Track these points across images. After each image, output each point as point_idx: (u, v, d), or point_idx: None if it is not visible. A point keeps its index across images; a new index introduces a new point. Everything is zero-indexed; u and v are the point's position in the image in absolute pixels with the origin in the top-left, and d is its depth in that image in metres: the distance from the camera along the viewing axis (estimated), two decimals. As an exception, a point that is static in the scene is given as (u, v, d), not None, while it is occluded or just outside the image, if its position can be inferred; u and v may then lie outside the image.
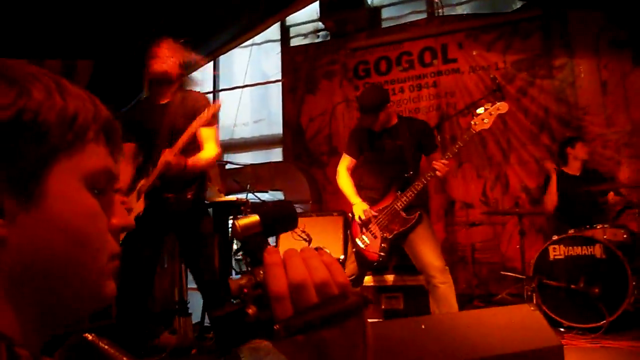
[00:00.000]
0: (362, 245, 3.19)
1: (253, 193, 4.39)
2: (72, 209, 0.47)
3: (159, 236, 2.83)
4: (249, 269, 0.53)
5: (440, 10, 5.67)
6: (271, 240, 0.60)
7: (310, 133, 5.94)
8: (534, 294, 3.59)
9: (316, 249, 0.52)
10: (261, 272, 0.51)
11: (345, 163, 3.38)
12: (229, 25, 5.53)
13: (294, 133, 6.05)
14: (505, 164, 5.08)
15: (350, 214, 3.36)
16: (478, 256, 4.97)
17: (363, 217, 3.16)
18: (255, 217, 0.57)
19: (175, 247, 3.99)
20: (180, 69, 2.83)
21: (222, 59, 6.57)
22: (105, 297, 0.51)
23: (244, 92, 6.41)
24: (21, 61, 0.49)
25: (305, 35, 6.27)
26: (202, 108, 2.72)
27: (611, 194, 4.05)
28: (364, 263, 3.23)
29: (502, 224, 4.97)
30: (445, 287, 3.01)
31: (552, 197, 4.06)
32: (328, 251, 0.52)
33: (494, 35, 5.23)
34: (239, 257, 4.44)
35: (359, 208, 3.19)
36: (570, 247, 3.57)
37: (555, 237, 3.68)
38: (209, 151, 2.77)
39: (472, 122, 3.10)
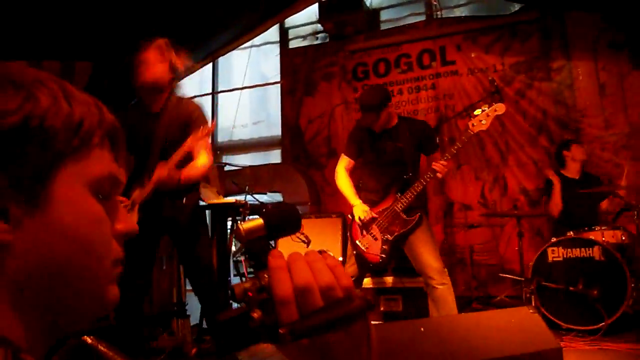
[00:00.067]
0: (362, 248, 3.19)
1: (252, 195, 4.38)
2: (77, 215, 0.47)
3: (153, 239, 2.82)
4: (253, 272, 0.53)
5: (438, 13, 5.68)
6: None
7: (309, 135, 5.95)
8: (533, 296, 3.59)
9: (320, 252, 0.52)
10: (266, 275, 0.50)
11: (343, 164, 3.36)
12: (228, 27, 5.54)
13: (292, 135, 6.05)
14: (503, 166, 5.09)
15: (349, 216, 3.35)
16: (477, 258, 4.97)
17: (363, 219, 3.16)
18: (259, 221, 0.57)
19: (173, 249, 3.99)
20: (172, 73, 2.75)
21: (221, 60, 6.58)
22: (108, 302, 0.51)
23: (242, 93, 6.41)
24: (25, 65, 0.49)
25: (304, 37, 6.27)
26: (196, 119, 2.69)
27: (605, 202, 4.06)
28: (365, 265, 3.23)
29: (501, 226, 4.98)
30: (444, 289, 3.01)
31: (557, 203, 4.05)
32: (332, 254, 0.52)
33: (492, 38, 5.24)
34: (237, 259, 4.44)
35: (359, 210, 3.19)
36: (569, 249, 3.58)
37: (553, 239, 3.69)
38: (201, 161, 2.71)
39: (470, 124, 3.10)
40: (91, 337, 0.56)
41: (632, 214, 3.62)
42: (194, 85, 6.68)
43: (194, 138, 2.61)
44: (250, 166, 5.61)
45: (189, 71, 6.08)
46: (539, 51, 5.07)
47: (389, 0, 5.98)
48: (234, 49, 6.17)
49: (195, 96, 6.63)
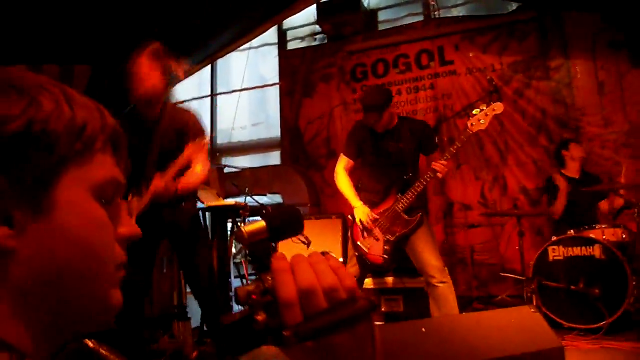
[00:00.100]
0: (365, 249, 3.19)
1: (252, 197, 4.38)
2: (81, 219, 0.48)
3: (154, 242, 2.82)
4: (256, 275, 0.53)
5: (436, 13, 5.68)
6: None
7: (309, 136, 5.94)
8: (534, 296, 3.59)
9: (323, 253, 0.52)
10: (269, 278, 0.50)
11: (343, 164, 3.35)
12: (226, 29, 5.54)
13: (292, 136, 6.05)
14: (503, 165, 5.09)
15: (349, 217, 3.35)
16: (477, 258, 4.96)
17: (365, 221, 3.15)
18: (261, 223, 0.57)
19: (173, 252, 3.98)
20: (165, 80, 2.71)
21: (220, 62, 6.59)
22: (112, 306, 0.51)
23: (241, 95, 6.41)
24: (26, 70, 0.49)
25: (302, 39, 6.27)
26: (193, 128, 2.69)
27: (605, 202, 4.06)
28: (367, 266, 3.23)
29: (501, 225, 4.97)
30: (445, 287, 3.02)
31: (561, 205, 4.04)
32: (334, 256, 0.52)
33: (490, 37, 5.24)
34: (237, 261, 4.43)
35: (361, 211, 3.18)
36: (570, 248, 3.58)
37: (554, 238, 3.68)
38: (198, 170, 2.70)
39: (469, 123, 3.10)
40: (92, 340, 0.56)
41: (632, 212, 3.62)
42: (193, 87, 6.69)
43: (191, 149, 2.61)
44: (249, 168, 5.61)
45: (185, 75, 6.10)
46: (537, 50, 5.07)
47: (387, 0, 5.99)
48: (232, 51, 6.18)
49: (194, 98, 6.65)
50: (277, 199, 5.12)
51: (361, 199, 3.24)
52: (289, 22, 6.25)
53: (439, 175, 3.04)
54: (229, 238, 4.32)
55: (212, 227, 4.34)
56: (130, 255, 0.54)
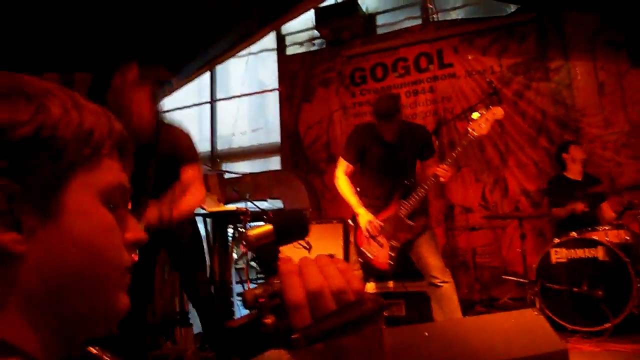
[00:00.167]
0: (370, 255, 3.17)
1: (252, 202, 4.37)
2: (89, 224, 0.48)
3: (154, 249, 2.81)
4: (263, 278, 0.52)
5: (434, 16, 5.68)
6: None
7: (308, 141, 5.94)
8: (537, 298, 3.57)
9: (330, 256, 0.52)
10: (277, 281, 0.50)
11: (342, 169, 3.30)
12: (225, 35, 5.56)
13: (292, 141, 6.04)
14: (503, 167, 5.07)
15: (350, 222, 3.33)
16: (479, 260, 4.95)
17: (369, 228, 3.13)
18: (268, 227, 0.57)
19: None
20: (154, 104, 2.65)
21: (219, 68, 6.60)
22: (120, 310, 0.52)
23: (241, 101, 6.42)
24: (33, 76, 0.49)
25: (301, 44, 6.28)
26: (187, 151, 2.67)
27: (607, 205, 4.04)
28: (372, 272, 3.22)
29: (503, 228, 4.96)
30: (447, 287, 3.02)
31: (567, 211, 4.00)
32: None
33: (489, 39, 5.24)
34: (239, 267, 4.42)
35: (365, 218, 3.15)
36: (573, 250, 3.55)
37: (556, 240, 3.66)
38: (194, 193, 2.67)
39: (470, 129, 3.09)
40: (96, 347, 0.56)
41: (634, 212, 3.60)
42: (192, 93, 6.70)
43: (185, 174, 2.59)
44: (250, 173, 5.61)
45: (181, 84, 6.11)
46: (536, 52, 5.07)
47: (385, 4, 6.00)
48: (231, 57, 6.20)
49: (194, 104, 6.67)
50: (278, 204, 5.11)
51: (364, 204, 3.21)
52: (287, 28, 6.26)
53: (442, 180, 3.03)
54: (229, 244, 4.31)
55: (213, 233, 4.33)
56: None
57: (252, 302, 0.50)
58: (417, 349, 1.91)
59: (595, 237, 3.55)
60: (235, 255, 4.37)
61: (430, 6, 5.67)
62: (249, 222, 4.19)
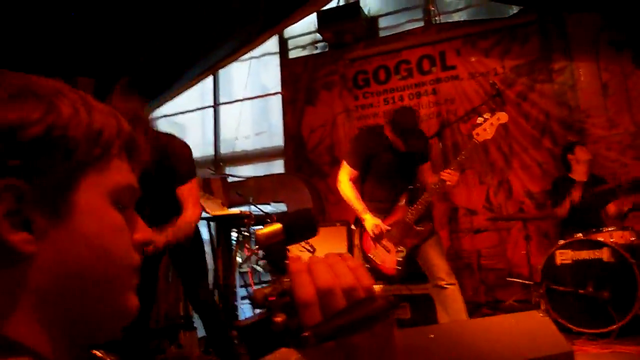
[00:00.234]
0: (377, 261, 3.16)
1: (256, 205, 4.37)
2: (100, 224, 0.48)
3: (155, 255, 2.81)
4: (273, 277, 0.52)
5: (437, 18, 5.68)
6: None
7: (312, 144, 5.94)
8: (542, 300, 3.55)
9: (340, 254, 0.52)
10: (286, 279, 0.50)
11: (346, 174, 3.26)
12: (227, 40, 5.57)
13: (295, 144, 6.05)
14: (507, 169, 5.06)
15: (353, 226, 3.32)
16: (484, 263, 4.93)
17: (376, 233, 3.12)
18: (277, 226, 0.57)
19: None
20: (147, 139, 2.52)
21: (222, 72, 6.61)
22: (130, 311, 0.52)
23: (244, 105, 6.43)
24: (41, 77, 0.49)
25: (303, 47, 6.30)
26: (183, 170, 2.64)
27: (612, 206, 4.02)
28: (379, 277, 3.21)
29: (507, 230, 4.94)
30: (453, 289, 3.02)
31: (566, 207, 4.00)
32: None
33: (492, 41, 5.24)
34: (243, 270, 4.42)
35: (371, 223, 3.13)
36: (578, 251, 3.54)
37: (562, 242, 3.65)
38: (189, 213, 2.64)
39: (475, 133, 3.09)
40: (101, 350, 0.56)
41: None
42: (195, 98, 6.71)
43: (181, 192, 2.59)
44: (253, 177, 5.61)
45: (187, 88, 6.12)
46: (539, 53, 5.06)
47: (387, 7, 6.00)
48: (234, 61, 6.21)
49: (197, 109, 6.68)
50: (282, 207, 5.11)
51: (369, 209, 3.19)
52: (289, 31, 6.27)
53: (448, 184, 3.02)
54: (233, 247, 4.31)
55: (216, 237, 4.33)
56: None
57: (262, 300, 0.50)
58: (422, 351, 1.90)
59: (601, 239, 3.53)
60: (239, 259, 4.37)
61: (433, 8, 5.67)
62: (253, 225, 4.19)
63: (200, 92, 6.73)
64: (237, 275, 4.34)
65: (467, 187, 5.15)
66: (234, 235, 4.36)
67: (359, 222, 3.27)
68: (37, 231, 0.44)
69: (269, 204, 4.87)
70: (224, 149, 6.58)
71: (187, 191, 2.69)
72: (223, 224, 4.28)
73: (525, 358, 1.89)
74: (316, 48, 6.21)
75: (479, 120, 3.11)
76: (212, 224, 4.31)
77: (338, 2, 5.85)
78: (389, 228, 3.14)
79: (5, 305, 0.44)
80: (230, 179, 5.20)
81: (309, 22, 5.97)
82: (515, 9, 5.27)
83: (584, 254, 3.51)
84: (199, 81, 6.29)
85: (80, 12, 3.98)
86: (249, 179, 5.50)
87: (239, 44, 5.83)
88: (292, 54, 6.33)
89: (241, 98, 6.44)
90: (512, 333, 2.01)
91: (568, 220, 4.02)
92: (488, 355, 1.90)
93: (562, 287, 3.50)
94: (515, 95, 5.06)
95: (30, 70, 0.50)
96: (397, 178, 3.21)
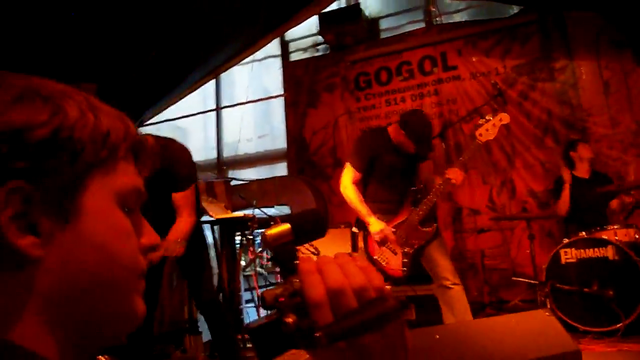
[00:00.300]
0: (383, 263, 3.16)
1: (259, 208, 4.37)
2: (107, 227, 0.47)
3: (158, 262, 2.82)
4: (282, 278, 0.52)
5: (438, 19, 5.69)
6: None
7: (314, 146, 5.95)
8: (547, 299, 3.54)
9: (349, 254, 0.52)
10: (296, 280, 0.50)
11: (350, 177, 3.23)
12: (229, 43, 5.58)
13: (297, 147, 6.05)
14: (510, 169, 5.06)
15: (354, 228, 3.32)
16: (488, 263, 4.92)
17: (382, 236, 3.12)
18: (286, 226, 0.56)
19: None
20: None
21: (224, 76, 6.62)
22: (138, 315, 0.51)
23: (246, 108, 6.44)
24: (47, 79, 0.49)
25: (305, 50, 6.31)
26: (181, 176, 2.64)
27: (615, 201, 4.02)
28: (385, 279, 3.20)
29: (511, 229, 4.93)
30: (458, 289, 3.03)
31: (565, 201, 4.01)
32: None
33: (493, 41, 5.24)
34: (247, 274, 4.42)
35: (376, 227, 3.12)
36: (582, 250, 3.53)
37: (566, 241, 3.64)
38: (183, 222, 2.63)
39: (477, 134, 3.10)
40: (105, 355, 0.56)
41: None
42: (197, 101, 6.72)
43: (178, 198, 2.59)
44: (256, 180, 5.62)
45: (189, 92, 6.12)
46: (540, 52, 5.06)
47: (388, 8, 6.01)
48: (235, 64, 6.22)
49: (199, 112, 6.69)
50: (285, 210, 5.11)
51: (373, 210, 3.18)
52: (291, 34, 6.28)
53: (454, 182, 3.02)
54: (237, 250, 4.31)
55: (220, 240, 4.33)
56: None
57: (272, 301, 0.49)
58: (428, 351, 1.90)
59: (605, 237, 3.53)
60: (243, 262, 4.37)
61: (433, 9, 5.68)
62: (257, 228, 4.18)
63: (202, 96, 6.74)
64: (241, 279, 4.34)
65: (471, 187, 5.14)
66: (237, 238, 4.36)
67: (361, 224, 3.26)
68: (43, 234, 0.43)
69: (272, 207, 4.87)
70: (226, 153, 6.59)
71: (183, 199, 2.66)
72: (227, 228, 4.28)
73: (532, 357, 1.89)
74: (317, 50, 6.22)
75: (481, 121, 3.12)
76: (215, 227, 4.32)
77: (339, 5, 5.86)
78: (394, 230, 3.14)
79: (10, 310, 0.43)
80: (233, 182, 5.20)
81: (310, 24, 5.98)
82: (515, 9, 5.28)
83: (589, 253, 3.51)
84: (201, 85, 6.30)
85: (83, 17, 3.99)
86: (252, 182, 5.51)
87: (240, 47, 5.84)
88: (294, 57, 6.34)
89: (243, 101, 6.45)
90: (518, 333, 2.01)
91: (571, 218, 4.02)
92: (494, 355, 1.90)
93: (567, 286, 3.49)
94: (516, 95, 5.06)
95: (32, 74, 0.50)
96: (400, 179, 3.21)
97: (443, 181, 3.05)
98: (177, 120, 6.67)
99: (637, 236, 3.58)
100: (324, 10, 5.73)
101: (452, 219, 5.10)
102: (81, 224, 0.45)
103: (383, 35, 5.95)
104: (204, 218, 3.54)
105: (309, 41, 6.27)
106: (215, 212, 4.00)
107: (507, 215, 4.85)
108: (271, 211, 4.75)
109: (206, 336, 3.85)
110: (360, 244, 3.30)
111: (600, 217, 3.90)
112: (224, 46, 5.60)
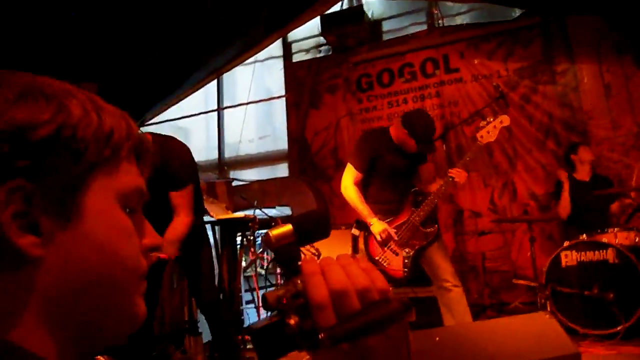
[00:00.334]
0: (384, 264, 3.16)
1: (260, 209, 4.38)
2: (108, 228, 0.47)
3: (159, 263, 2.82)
4: (285, 279, 0.52)
5: (440, 21, 5.70)
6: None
7: (316, 147, 5.95)
8: (548, 302, 3.55)
9: (352, 256, 0.51)
10: (299, 281, 0.49)
11: (351, 177, 3.23)
12: (231, 44, 5.59)
13: (299, 148, 6.06)
14: (511, 171, 5.06)
15: (355, 229, 3.31)
16: (489, 265, 4.92)
17: (384, 237, 3.12)
18: (288, 227, 0.56)
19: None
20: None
21: (226, 76, 6.63)
22: (139, 316, 0.51)
23: (248, 108, 6.44)
24: (50, 77, 0.49)
25: (307, 51, 6.31)
26: (178, 175, 2.60)
27: (616, 204, 4.02)
28: (387, 280, 3.20)
29: (512, 232, 4.93)
30: (458, 291, 3.03)
31: (565, 205, 4.02)
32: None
33: (495, 44, 5.25)
34: (248, 274, 4.42)
35: (378, 228, 3.12)
36: (583, 253, 3.53)
37: (566, 243, 3.64)
38: (179, 222, 2.61)
39: (479, 136, 3.12)
40: (105, 356, 0.56)
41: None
42: (199, 101, 6.73)
43: (174, 200, 2.56)
44: (257, 181, 5.62)
45: (192, 91, 6.12)
46: (542, 55, 5.06)
47: (391, 10, 6.02)
48: (238, 65, 6.23)
49: (201, 113, 6.70)
50: (286, 210, 5.11)
51: (375, 211, 3.18)
52: (293, 35, 6.29)
53: (457, 180, 3.03)
54: (238, 251, 4.31)
55: (221, 241, 4.33)
56: None
57: (275, 303, 0.49)
58: (429, 354, 1.91)
59: (605, 240, 3.53)
60: (244, 263, 4.37)
61: (436, 12, 5.68)
62: (258, 229, 4.18)
63: (204, 96, 6.74)
64: (242, 280, 4.34)
65: (472, 189, 5.15)
66: (238, 239, 4.36)
67: (361, 225, 3.27)
68: (44, 234, 0.43)
69: (273, 208, 4.87)
70: (228, 153, 6.59)
71: (180, 198, 2.62)
72: (228, 228, 4.28)
73: (531, 360, 1.89)
74: (320, 51, 6.22)
75: (482, 123, 3.14)
76: (216, 228, 4.32)
77: (342, 6, 5.87)
78: (396, 231, 3.14)
79: (10, 310, 0.43)
80: (234, 183, 5.21)
81: (313, 25, 5.98)
82: (517, 12, 5.28)
83: (589, 256, 3.51)
84: (203, 85, 6.32)
85: (85, 17, 4.00)
86: (253, 182, 5.52)
87: (242, 48, 5.86)
88: (296, 58, 6.35)
89: (245, 102, 6.45)
90: (519, 335, 2.01)
91: (572, 221, 4.02)
92: (495, 357, 1.90)
93: (567, 289, 3.49)
94: (518, 98, 5.06)
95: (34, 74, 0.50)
96: (401, 179, 3.22)
97: (445, 181, 3.06)
98: (178, 121, 6.67)
99: (637, 239, 3.58)
100: (326, 12, 5.74)
101: (453, 221, 5.10)
102: (83, 224, 0.45)
103: (385, 37, 5.96)
104: (205, 218, 3.54)
105: (311, 42, 6.28)
106: (216, 212, 4.00)
107: (508, 218, 4.86)
108: (272, 212, 4.75)
109: (206, 337, 3.86)
110: (361, 245, 3.30)
111: (600, 220, 3.91)
112: (226, 46, 5.62)
